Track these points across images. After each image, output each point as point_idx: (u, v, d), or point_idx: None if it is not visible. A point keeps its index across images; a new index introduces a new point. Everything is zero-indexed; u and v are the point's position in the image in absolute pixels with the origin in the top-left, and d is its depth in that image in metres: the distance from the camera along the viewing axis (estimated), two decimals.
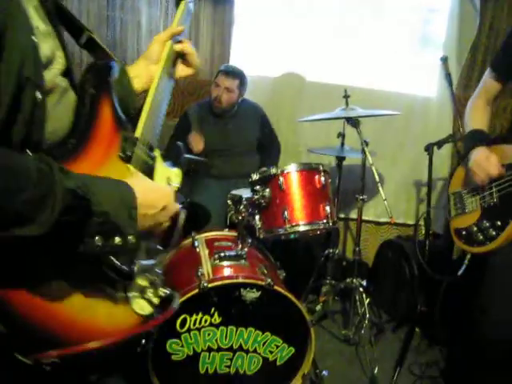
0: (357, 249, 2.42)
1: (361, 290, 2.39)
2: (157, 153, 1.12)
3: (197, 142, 2.83)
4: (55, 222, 0.70)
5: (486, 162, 1.69)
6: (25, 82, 0.77)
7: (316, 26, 3.16)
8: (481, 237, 1.71)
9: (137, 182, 0.90)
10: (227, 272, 1.87)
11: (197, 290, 1.71)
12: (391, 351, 2.43)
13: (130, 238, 0.83)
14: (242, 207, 2.12)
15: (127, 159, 0.98)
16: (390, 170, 2.71)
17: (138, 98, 1.21)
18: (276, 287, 1.79)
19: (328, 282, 2.61)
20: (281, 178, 2.01)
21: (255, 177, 2.06)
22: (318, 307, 2.57)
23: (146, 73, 1.23)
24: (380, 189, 2.14)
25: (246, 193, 2.43)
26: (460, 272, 1.85)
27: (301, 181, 2.04)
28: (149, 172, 1.06)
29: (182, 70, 1.30)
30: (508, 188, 1.65)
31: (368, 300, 2.42)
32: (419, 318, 2.41)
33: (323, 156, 2.76)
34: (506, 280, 1.62)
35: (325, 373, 2.05)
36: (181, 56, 1.28)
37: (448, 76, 2.68)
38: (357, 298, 2.39)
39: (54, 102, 0.90)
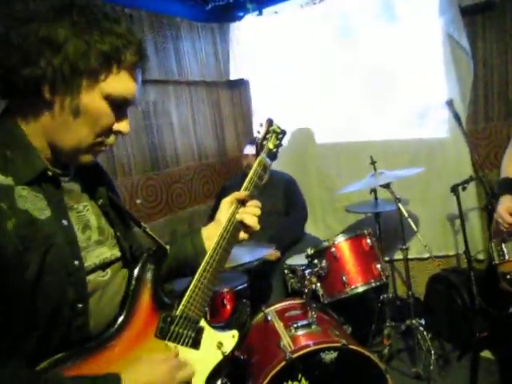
0: (409, 292, 2.68)
1: (421, 328, 2.62)
2: (203, 323, 1.21)
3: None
4: None
5: (505, 213, 1.96)
6: (63, 305, 0.95)
7: (326, 89, 3.49)
8: None
9: (135, 368, 0.99)
10: (306, 340, 2.12)
11: (284, 362, 1.99)
12: (462, 379, 2.62)
13: None
14: (305, 276, 2.43)
15: (161, 337, 1.11)
16: (421, 209, 2.96)
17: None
18: (350, 346, 2.05)
19: (388, 324, 2.84)
20: (333, 249, 2.31)
21: (310, 251, 2.37)
22: (385, 350, 2.78)
23: (216, 234, 1.32)
24: (419, 237, 2.40)
25: (298, 261, 2.74)
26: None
27: (351, 248, 2.33)
28: (193, 343, 1.17)
29: (241, 234, 1.36)
30: None
31: (429, 335, 2.65)
32: (479, 344, 2.60)
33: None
34: None
35: None
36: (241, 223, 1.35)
37: (456, 116, 2.98)
38: (419, 336, 2.62)
39: (97, 298, 1.05)
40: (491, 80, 3.07)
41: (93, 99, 0.97)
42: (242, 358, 2.26)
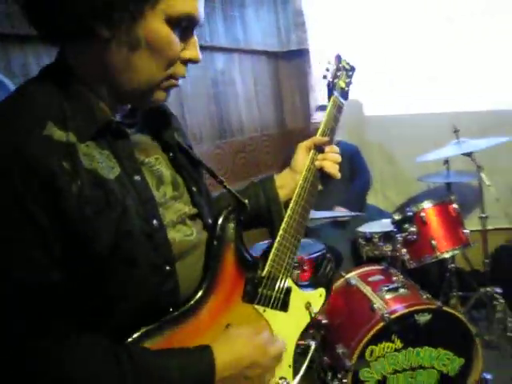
0: (486, 260, 2.73)
1: (497, 296, 2.68)
2: (290, 283, 1.12)
3: None
4: None
5: None
6: (149, 269, 0.86)
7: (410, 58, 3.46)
8: None
9: (226, 339, 0.93)
10: (399, 303, 2.18)
11: (382, 323, 2.04)
12: None
13: None
14: (384, 243, 2.49)
15: (249, 301, 1.03)
16: (490, 180, 2.96)
17: (281, 207, 1.22)
18: (444, 308, 2.11)
19: (455, 293, 2.89)
20: (422, 214, 2.34)
21: (397, 217, 2.41)
22: None
23: (291, 183, 1.24)
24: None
25: (372, 228, 2.78)
26: None
27: (439, 213, 2.37)
28: (282, 306, 1.09)
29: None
30: None
31: (502, 304, 2.71)
32: None
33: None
34: None
35: (488, 376, 2.32)
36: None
37: None
38: (494, 303, 2.69)
39: (185, 260, 0.96)
40: None
41: (153, 26, 0.82)
42: (324, 321, 2.33)
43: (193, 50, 0.90)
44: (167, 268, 0.90)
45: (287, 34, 3.70)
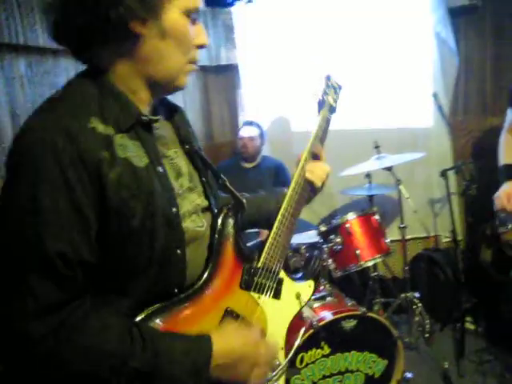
0: (406, 268, 2.91)
1: (416, 301, 2.87)
2: (282, 274, 1.22)
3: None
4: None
5: (504, 197, 2.27)
6: (164, 251, 0.97)
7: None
8: None
9: (224, 332, 1.02)
10: (327, 310, 2.27)
11: (311, 331, 2.12)
12: (446, 347, 2.90)
13: None
14: (310, 253, 2.59)
15: (246, 288, 1.14)
16: (409, 193, 3.16)
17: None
18: (369, 314, 2.23)
19: (378, 299, 3.05)
20: (347, 225, 2.47)
21: (324, 228, 2.52)
22: None
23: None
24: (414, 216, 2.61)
25: (298, 240, 2.87)
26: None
27: (362, 224, 2.50)
28: (275, 294, 1.20)
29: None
30: None
31: (419, 309, 2.91)
32: (464, 314, 2.88)
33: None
34: None
35: (409, 375, 2.46)
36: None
37: (440, 108, 3.24)
38: (413, 307, 2.88)
39: (195, 248, 1.06)
40: (471, 77, 3.37)
41: (173, 18, 0.95)
42: None
43: (202, 37, 1.03)
44: (178, 252, 1.01)
45: (217, 48, 3.75)
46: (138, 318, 0.95)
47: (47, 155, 0.85)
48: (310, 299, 1.32)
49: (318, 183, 1.35)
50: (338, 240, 2.47)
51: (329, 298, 2.39)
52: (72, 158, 0.86)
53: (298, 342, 1.35)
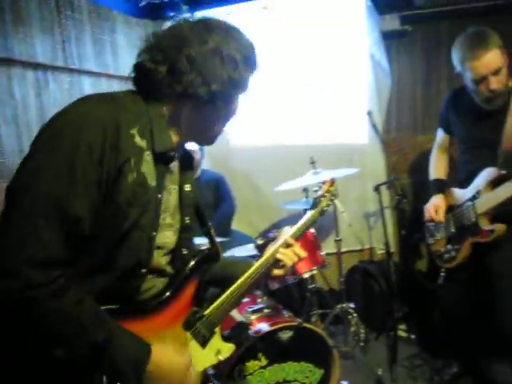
0: (341, 279, 2.99)
1: (351, 311, 2.96)
2: (217, 329, 1.36)
3: None
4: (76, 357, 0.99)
5: (431, 209, 2.50)
6: (134, 263, 1.10)
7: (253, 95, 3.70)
8: (447, 256, 2.40)
9: (162, 349, 1.12)
10: (264, 322, 2.30)
11: (248, 343, 2.14)
12: (381, 355, 3.00)
13: None
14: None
15: (187, 328, 1.27)
16: (344, 207, 3.25)
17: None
18: (305, 325, 2.28)
19: (316, 311, 3.11)
20: None
21: (260, 241, 2.55)
22: None
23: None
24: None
25: (237, 253, 2.89)
26: (440, 281, 2.50)
27: (299, 237, 2.55)
28: (203, 343, 1.32)
29: (276, 271, 1.49)
30: (460, 222, 2.38)
31: (355, 319, 3.00)
32: (397, 322, 2.99)
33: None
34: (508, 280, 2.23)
35: (345, 383, 2.52)
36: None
37: (374, 127, 3.38)
38: (349, 318, 2.96)
39: (149, 278, 1.18)
40: (403, 96, 3.57)
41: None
42: None
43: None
44: (143, 271, 1.13)
45: None
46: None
47: (97, 131, 0.99)
48: (226, 359, 1.42)
49: (288, 263, 1.47)
50: None
51: (266, 310, 2.41)
52: (112, 144, 1.01)
53: None
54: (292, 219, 3.52)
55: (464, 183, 2.40)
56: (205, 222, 1.39)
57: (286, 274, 1.52)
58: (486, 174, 2.24)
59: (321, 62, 3.52)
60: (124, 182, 1.03)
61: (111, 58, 3.36)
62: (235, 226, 3.74)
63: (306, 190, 3.14)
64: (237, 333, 1.58)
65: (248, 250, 2.85)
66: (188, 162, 1.34)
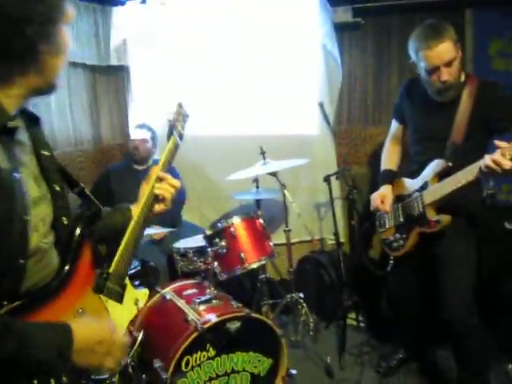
0: (290, 269, 3.01)
1: (301, 301, 2.98)
2: (127, 280, 1.39)
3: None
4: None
5: (377, 198, 2.56)
6: (11, 257, 1.02)
7: (206, 82, 3.64)
8: (395, 245, 2.44)
9: (82, 321, 1.12)
10: (211, 313, 2.26)
11: (196, 333, 2.10)
12: (331, 343, 3.04)
13: (64, 379, 1.06)
14: (198, 257, 2.60)
15: (99, 292, 1.28)
16: (293, 198, 3.26)
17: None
18: (252, 315, 2.27)
19: (266, 301, 3.11)
20: (232, 229, 2.50)
21: (209, 232, 2.53)
22: None
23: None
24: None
25: (187, 244, 2.86)
26: (388, 268, 2.54)
27: (247, 227, 2.55)
28: (119, 298, 1.35)
29: (157, 207, 1.49)
30: (408, 211, 2.44)
31: (304, 309, 3.02)
32: (346, 311, 3.04)
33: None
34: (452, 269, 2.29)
35: (293, 372, 2.53)
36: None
37: (326, 117, 3.41)
38: (299, 307, 2.98)
39: (35, 262, 1.11)
40: (354, 88, 3.61)
41: (64, 35, 1.10)
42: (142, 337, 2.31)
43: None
44: (21, 261, 1.04)
45: (107, 48, 3.62)
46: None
47: None
48: (145, 305, 1.56)
49: (166, 195, 1.47)
50: (223, 243, 2.49)
51: (214, 301, 2.38)
52: None
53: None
54: (243, 209, 3.56)
55: (415, 174, 2.44)
56: (75, 182, 1.33)
57: (168, 207, 1.52)
58: (434, 165, 2.28)
59: (273, 53, 3.51)
60: None
61: None
62: (186, 216, 3.71)
63: (255, 180, 3.14)
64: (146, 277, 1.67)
65: (198, 240, 2.82)
66: (34, 124, 1.21)
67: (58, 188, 1.21)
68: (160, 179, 1.49)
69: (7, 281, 1.03)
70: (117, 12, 3.66)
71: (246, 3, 3.51)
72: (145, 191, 1.46)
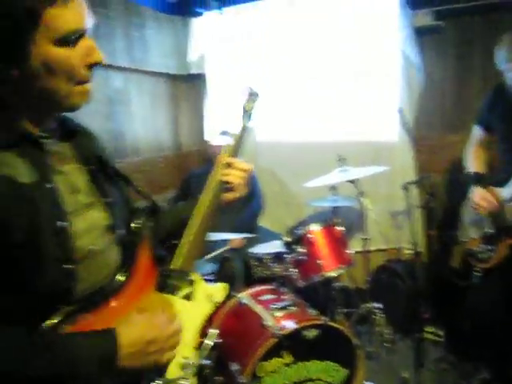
0: (368, 278, 2.96)
1: (376, 311, 2.92)
2: (194, 276, 1.29)
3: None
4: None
5: (481, 201, 2.37)
6: (51, 265, 0.98)
7: (284, 90, 3.69)
8: (483, 256, 2.37)
9: (130, 322, 1.03)
10: (289, 320, 2.28)
11: (273, 340, 2.12)
12: (407, 357, 2.95)
13: None
14: (274, 263, 2.61)
15: (160, 289, 1.21)
16: (371, 205, 3.20)
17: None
18: (330, 323, 2.26)
19: (341, 310, 3.08)
20: (311, 235, 2.50)
21: (288, 238, 2.54)
22: None
23: None
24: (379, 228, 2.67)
25: (263, 249, 2.89)
26: (473, 279, 2.46)
27: (326, 235, 2.54)
28: (185, 296, 1.26)
29: (228, 195, 1.39)
30: (499, 221, 2.32)
31: (381, 319, 2.96)
32: (423, 324, 2.94)
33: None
34: None
35: None
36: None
37: (405, 124, 3.32)
38: (375, 317, 2.92)
39: (87, 265, 1.06)
40: (434, 94, 3.50)
41: (44, 52, 0.94)
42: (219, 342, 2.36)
43: (94, 54, 1.00)
44: (67, 266, 1.00)
45: (186, 57, 3.76)
46: (50, 322, 0.97)
47: None
48: (223, 300, 1.38)
49: (235, 181, 1.37)
50: (302, 250, 2.50)
51: (291, 308, 2.39)
52: None
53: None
54: (320, 216, 3.55)
55: (503, 183, 2.33)
56: (132, 184, 1.27)
57: (241, 193, 1.41)
58: None
59: (352, 59, 3.48)
60: None
61: (141, 53, 3.39)
62: (262, 222, 3.75)
63: (333, 187, 3.11)
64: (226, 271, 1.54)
65: (275, 246, 2.84)
66: (85, 140, 1.18)
67: (109, 195, 1.16)
68: (228, 165, 1.39)
69: (58, 286, 1.00)
70: (195, 22, 3.79)
71: (324, 9, 3.50)
72: (211, 179, 1.38)
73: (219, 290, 1.38)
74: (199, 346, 1.27)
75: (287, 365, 2.20)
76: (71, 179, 1.08)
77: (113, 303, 1.09)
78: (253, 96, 1.57)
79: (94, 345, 0.96)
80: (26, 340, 0.92)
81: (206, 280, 2.53)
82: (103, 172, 1.18)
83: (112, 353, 0.97)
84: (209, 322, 1.36)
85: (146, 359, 1.03)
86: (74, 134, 1.15)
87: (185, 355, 1.20)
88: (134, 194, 1.29)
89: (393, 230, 3.62)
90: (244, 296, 2.59)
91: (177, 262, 1.27)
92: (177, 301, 1.23)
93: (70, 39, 0.95)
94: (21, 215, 0.93)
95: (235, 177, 1.38)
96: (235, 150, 1.45)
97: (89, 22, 0.99)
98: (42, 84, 0.97)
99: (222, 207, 1.39)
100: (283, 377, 2.20)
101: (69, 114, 1.13)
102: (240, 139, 1.48)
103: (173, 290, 1.24)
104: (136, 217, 1.22)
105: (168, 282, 1.23)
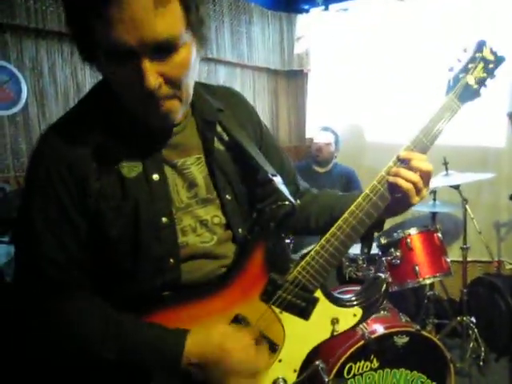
0: (464, 290, 2.82)
1: (472, 326, 2.78)
2: (318, 294, 1.06)
3: None
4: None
5: None
6: (151, 259, 0.96)
7: (389, 91, 3.60)
8: None
9: (203, 332, 0.94)
10: (379, 324, 2.24)
11: (363, 342, 2.10)
12: (501, 379, 2.78)
13: None
14: (368, 265, 2.56)
15: (265, 300, 1.03)
16: (473, 213, 3.04)
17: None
18: (422, 332, 2.18)
19: (432, 320, 2.97)
20: (408, 240, 2.43)
21: (384, 241, 2.49)
22: None
23: None
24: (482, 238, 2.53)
25: (357, 250, 2.84)
26: None
27: (424, 240, 2.46)
28: (302, 313, 1.05)
29: (396, 205, 1.09)
30: None
31: (475, 334, 2.80)
32: None
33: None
34: None
35: None
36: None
37: None
38: (469, 332, 2.78)
39: (193, 261, 1.01)
40: None
41: (102, 63, 0.87)
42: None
43: (140, 82, 0.82)
44: (171, 261, 0.97)
45: (290, 53, 3.79)
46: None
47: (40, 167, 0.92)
48: (350, 329, 1.10)
49: (405, 186, 1.02)
50: (398, 254, 2.44)
51: (383, 312, 2.34)
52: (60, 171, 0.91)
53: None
54: (417, 221, 3.43)
55: None
56: (264, 172, 1.06)
57: (409, 205, 1.07)
58: None
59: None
60: (91, 193, 0.92)
61: (247, 48, 3.47)
62: None
63: (433, 192, 3.00)
64: (366, 292, 1.13)
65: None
66: (210, 124, 1.04)
67: (228, 197, 1.05)
68: (401, 160, 1.05)
69: (163, 277, 0.97)
70: (301, 19, 3.80)
71: (437, 6, 3.36)
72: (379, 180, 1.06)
73: (349, 316, 1.09)
74: (299, 371, 1.08)
75: (374, 369, 2.16)
76: (188, 173, 1.00)
77: (209, 300, 1.02)
78: (490, 63, 1.11)
79: (162, 341, 0.93)
80: (110, 319, 0.94)
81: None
82: (228, 165, 1.06)
83: (176, 355, 0.91)
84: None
85: (211, 376, 0.93)
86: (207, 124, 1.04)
87: (282, 374, 1.06)
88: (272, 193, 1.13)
89: (494, 241, 3.42)
90: None
91: (293, 273, 1.04)
92: (287, 316, 1.04)
93: (111, 53, 0.81)
94: (120, 210, 0.93)
95: (407, 179, 1.03)
96: (424, 142, 1.07)
97: (146, 40, 0.79)
98: (116, 88, 0.90)
99: (379, 215, 1.07)
100: (369, 381, 2.16)
101: None
102: (437, 123, 1.08)
103: (283, 304, 1.04)
104: (263, 218, 1.06)
105: (278, 294, 1.03)
